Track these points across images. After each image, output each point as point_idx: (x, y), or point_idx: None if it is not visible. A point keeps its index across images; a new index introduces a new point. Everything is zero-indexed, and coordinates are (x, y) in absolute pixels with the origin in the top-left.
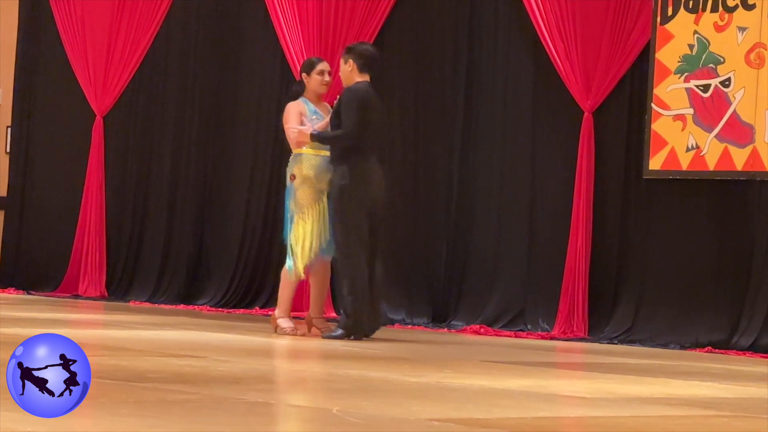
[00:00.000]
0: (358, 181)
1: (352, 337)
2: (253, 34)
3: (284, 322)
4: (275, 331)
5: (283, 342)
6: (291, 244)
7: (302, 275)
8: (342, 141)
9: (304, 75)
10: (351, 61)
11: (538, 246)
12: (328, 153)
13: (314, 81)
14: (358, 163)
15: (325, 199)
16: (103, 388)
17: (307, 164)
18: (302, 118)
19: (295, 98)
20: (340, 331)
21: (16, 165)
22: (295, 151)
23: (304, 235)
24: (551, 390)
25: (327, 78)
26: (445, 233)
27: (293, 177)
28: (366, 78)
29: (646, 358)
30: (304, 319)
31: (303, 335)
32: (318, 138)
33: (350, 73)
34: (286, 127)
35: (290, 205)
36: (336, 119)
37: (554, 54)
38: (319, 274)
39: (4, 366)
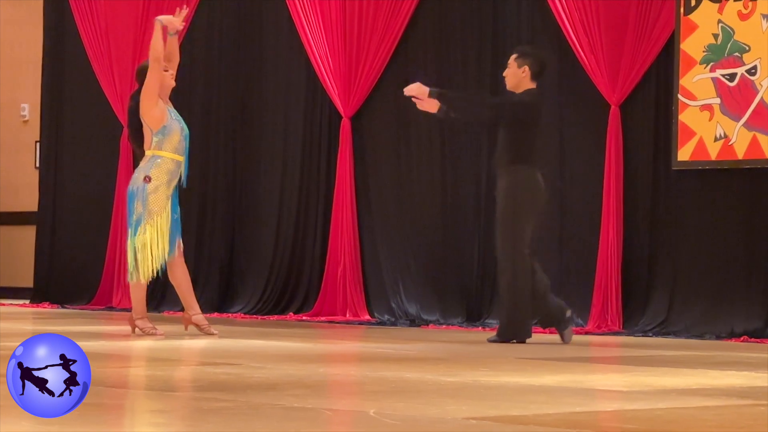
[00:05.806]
0: (526, 190)
1: (513, 341)
2: (276, 38)
3: (142, 323)
4: (133, 332)
5: (317, 347)
6: (137, 249)
7: (150, 277)
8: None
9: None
10: (527, 68)
11: (570, 241)
12: (182, 158)
13: (166, 76)
14: (526, 170)
15: (170, 203)
16: (139, 398)
17: (164, 169)
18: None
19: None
20: (495, 337)
21: (47, 179)
22: (152, 153)
23: (151, 240)
24: (587, 385)
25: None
26: (476, 231)
27: (148, 179)
28: (534, 86)
29: (681, 349)
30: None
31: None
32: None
33: (522, 79)
34: (150, 113)
35: (139, 207)
36: None
37: (579, 48)
38: (177, 273)
39: None
